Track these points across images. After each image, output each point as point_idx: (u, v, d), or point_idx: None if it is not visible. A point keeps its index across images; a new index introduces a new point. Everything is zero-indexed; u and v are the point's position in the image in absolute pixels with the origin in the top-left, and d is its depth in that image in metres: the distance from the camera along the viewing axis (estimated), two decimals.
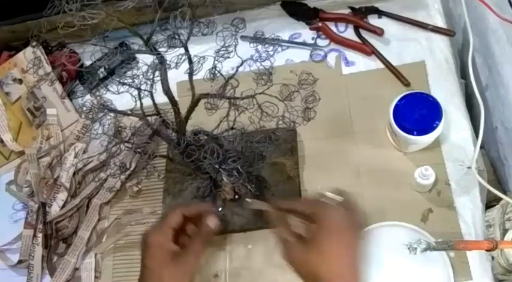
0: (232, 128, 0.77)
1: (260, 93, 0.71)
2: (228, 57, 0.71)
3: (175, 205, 0.81)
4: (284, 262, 0.64)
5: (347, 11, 1.02)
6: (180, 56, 0.70)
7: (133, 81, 0.74)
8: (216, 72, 0.73)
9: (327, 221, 0.60)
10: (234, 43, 0.70)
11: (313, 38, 1.02)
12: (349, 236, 0.60)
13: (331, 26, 1.01)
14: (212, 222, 0.70)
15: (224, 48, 0.70)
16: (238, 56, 0.71)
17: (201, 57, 0.70)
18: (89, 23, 0.58)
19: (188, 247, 0.69)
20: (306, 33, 1.03)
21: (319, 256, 0.58)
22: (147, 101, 0.75)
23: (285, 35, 1.03)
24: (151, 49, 0.68)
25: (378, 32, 0.97)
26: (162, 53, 0.69)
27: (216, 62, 0.72)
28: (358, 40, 0.99)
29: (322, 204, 0.63)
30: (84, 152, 1.02)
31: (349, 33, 1.00)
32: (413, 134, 0.79)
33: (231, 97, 0.72)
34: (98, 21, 0.58)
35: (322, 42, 1.01)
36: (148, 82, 0.73)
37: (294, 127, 0.76)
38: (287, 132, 0.87)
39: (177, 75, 0.75)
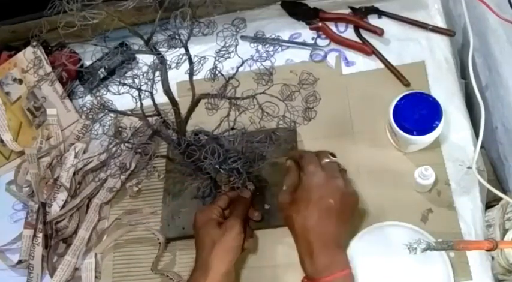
0: (232, 128, 0.77)
1: (261, 93, 0.71)
2: (229, 58, 0.71)
3: (224, 192, 0.86)
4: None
5: (347, 11, 1.02)
6: (181, 56, 0.70)
7: (134, 82, 0.74)
8: (217, 72, 0.73)
9: (304, 181, 0.75)
10: (234, 43, 0.70)
11: (313, 38, 1.02)
12: (318, 197, 0.73)
13: (331, 26, 1.01)
14: (246, 193, 0.83)
15: (225, 49, 0.70)
16: (239, 56, 0.71)
17: (201, 57, 0.70)
18: (90, 23, 0.58)
19: (230, 213, 0.81)
20: (306, 33, 1.03)
21: (294, 207, 0.74)
22: (147, 101, 0.75)
23: (285, 35, 1.03)
24: (152, 49, 0.68)
25: (378, 32, 0.97)
26: (163, 53, 0.70)
27: (216, 62, 0.72)
28: (358, 40, 0.99)
29: (307, 164, 0.76)
30: (84, 152, 1.02)
31: (349, 33, 1.00)
32: (413, 134, 0.79)
33: (232, 97, 0.72)
34: (98, 21, 0.58)
35: (322, 42, 1.01)
36: (149, 82, 0.73)
37: (295, 127, 0.76)
38: (287, 132, 0.87)
39: (177, 75, 0.75)
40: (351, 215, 0.77)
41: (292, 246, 0.75)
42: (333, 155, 0.80)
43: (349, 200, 0.76)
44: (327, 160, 0.78)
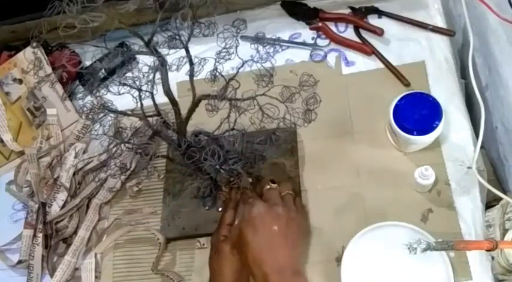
0: (232, 129, 0.77)
1: (261, 95, 0.71)
2: (229, 59, 0.71)
3: (226, 202, 0.84)
4: None
5: (347, 11, 1.02)
6: (181, 58, 0.70)
7: (134, 82, 0.74)
8: (217, 73, 0.73)
9: (245, 216, 0.76)
10: (234, 44, 0.70)
11: (313, 38, 1.02)
12: (263, 227, 0.73)
13: (331, 26, 1.01)
14: (246, 181, 0.80)
15: (225, 50, 0.70)
16: (239, 57, 0.71)
17: (202, 58, 0.70)
18: (90, 26, 0.58)
19: (224, 238, 0.78)
20: (306, 33, 1.03)
21: (242, 240, 0.73)
22: (147, 102, 0.75)
23: (285, 35, 1.03)
24: (152, 50, 0.68)
25: (378, 32, 0.97)
26: (163, 55, 0.70)
27: (217, 64, 0.72)
28: (358, 40, 0.99)
29: (247, 197, 0.78)
30: (84, 152, 1.02)
31: (349, 33, 1.00)
32: (413, 134, 0.79)
33: (232, 98, 0.72)
34: (98, 23, 0.58)
35: (322, 42, 1.01)
36: (149, 83, 0.73)
37: (295, 129, 0.76)
38: (287, 132, 0.87)
39: (177, 75, 0.75)
40: (299, 239, 0.77)
41: None
42: (273, 182, 0.81)
43: (293, 225, 0.75)
44: (267, 187, 0.80)
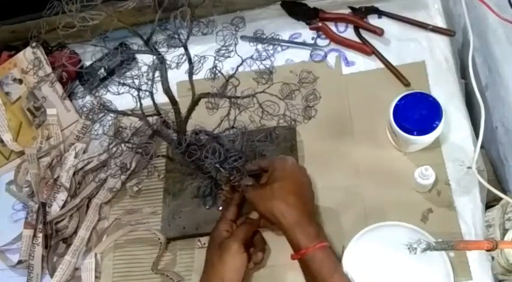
0: (233, 127, 0.77)
1: (261, 92, 0.71)
2: (229, 57, 0.71)
3: (230, 199, 0.85)
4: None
5: (347, 11, 1.02)
6: (181, 56, 0.70)
7: (134, 82, 0.74)
8: (217, 71, 0.73)
9: (274, 166, 0.80)
10: (234, 42, 0.70)
11: (313, 38, 1.02)
12: (294, 174, 0.80)
13: (331, 26, 1.01)
14: (253, 214, 0.83)
15: (224, 48, 0.70)
16: (239, 55, 0.71)
17: (201, 56, 0.70)
18: (89, 24, 0.58)
19: (231, 234, 0.80)
20: (306, 33, 1.03)
21: (270, 191, 0.77)
22: (147, 101, 0.75)
23: (285, 35, 1.03)
24: (152, 49, 0.68)
25: (378, 32, 0.97)
26: (162, 53, 0.70)
27: (216, 62, 0.72)
28: (358, 40, 0.99)
29: (274, 158, 0.82)
30: (84, 152, 1.02)
31: (349, 33, 1.00)
32: (413, 134, 0.79)
33: (232, 96, 0.72)
34: (97, 22, 0.58)
35: (322, 42, 1.01)
36: (149, 82, 0.73)
37: (295, 125, 0.76)
38: (287, 130, 0.87)
39: (177, 75, 0.75)
40: (313, 196, 0.83)
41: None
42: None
43: (311, 187, 0.83)
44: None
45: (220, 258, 0.76)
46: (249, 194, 0.80)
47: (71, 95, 1.07)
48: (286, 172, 0.79)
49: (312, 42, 1.01)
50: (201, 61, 0.70)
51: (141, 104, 0.74)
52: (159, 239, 0.89)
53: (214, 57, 0.72)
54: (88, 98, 1.01)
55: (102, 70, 1.01)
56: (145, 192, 0.96)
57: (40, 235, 0.94)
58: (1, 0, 1.01)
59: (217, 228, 0.81)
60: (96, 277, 0.91)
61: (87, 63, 1.08)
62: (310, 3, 1.04)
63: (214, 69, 0.72)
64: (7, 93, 1.10)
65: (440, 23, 0.96)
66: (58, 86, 1.06)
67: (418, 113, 0.79)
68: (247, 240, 0.80)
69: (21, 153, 1.05)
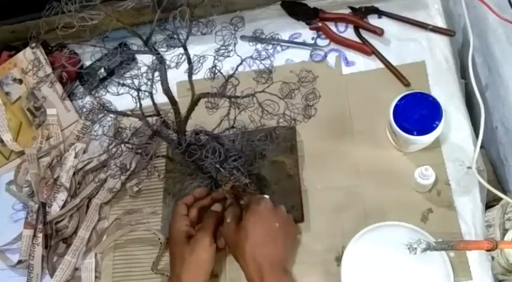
0: (232, 127, 0.77)
1: (260, 92, 0.71)
2: (228, 56, 0.71)
3: (179, 199, 0.86)
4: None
5: (347, 11, 1.02)
6: (180, 56, 0.70)
7: (133, 82, 0.74)
8: (216, 71, 0.72)
9: (252, 206, 0.79)
10: (233, 42, 0.70)
11: (313, 38, 1.02)
12: (267, 221, 0.78)
13: (331, 26, 1.01)
14: (216, 206, 0.84)
15: (224, 47, 0.70)
16: (238, 55, 0.71)
17: (200, 56, 0.70)
18: (88, 24, 0.58)
19: (199, 227, 0.82)
20: (306, 33, 1.03)
21: (243, 232, 0.76)
22: (147, 102, 0.75)
23: (285, 35, 1.03)
24: (151, 49, 0.68)
25: (378, 32, 0.97)
26: (162, 53, 0.69)
27: (216, 61, 0.72)
28: (358, 40, 0.99)
29: (255, 197, 0.81)
30: (84, 152, 1.02)
31: (349, 33, 1.00)
32: (413, 134, 0.79)
33: (231, 96, 0.72)
34: (97, 22, 0.58)
35: (322, 42, 1.01)
36: (148, 82, 0.73)
37: (295, 125, 0.76)
38: (287, 130, 0.87)
39: (177, 75, 0.75)
40: (293, 241, 0.83)
41: None
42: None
43: (290, 227, 0.82)
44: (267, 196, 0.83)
45: (193, 252, 0.78)
46: (224, 230, 0.81)
47: (70, 95, 1.07)
48: (258, 217, 0.78)
49: (312, 42, 1.01)
50: (201, 61, 0.70)
51: (140, 104, 0.74)
52: (159, 239, 0.89)
53: (214, 57, 0.72)
54: (88, 98, 1.01)
55: (102, 70, 1.01)
56: (145, 192, 0.96)
57: (40, 235, 0.94)
58: (1, 0, 1.01)
59: (176, 224, 0.82)
60: (96, 277, 0.91)
61: (87, 63, 1.08)
62: (310, 3, 1.04)
63: (214, 69, 0.72)
64: (7, 93, 1.10)
65: (440, 23, 0.96)
66: (58, 86, 1.06)
67: (418, 113, 0.79)
68: (215, 232, 0.81)
69: (21, 153, 1.05)
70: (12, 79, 1.09)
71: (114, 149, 0.76)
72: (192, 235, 0.81)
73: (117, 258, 0.92)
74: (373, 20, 1.00)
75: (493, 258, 0.75)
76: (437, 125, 0.78)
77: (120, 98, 0.74)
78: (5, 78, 1.10)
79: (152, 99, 0.75)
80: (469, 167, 0.81)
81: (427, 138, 0.80)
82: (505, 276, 0.74)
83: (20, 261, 0.95)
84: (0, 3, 1.01)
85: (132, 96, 0.74)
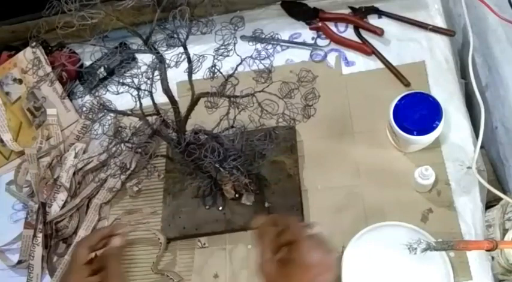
0: (232, 127, 0.77)
1: (260, 91, 0.71)
2: (228, 56, 0.71)
3: (79, 241, 0.79)
4: None
5: (347, 11, 1.02)
6: (180, 55, 0.70)
7: (133, 81, 0.74)
8: (216, 70, 0.72)
9: (299, 254, 0.65)
10: (233, 41, 0.70)
11: (313, 38, 1.02)
12: (314, 275, 0.64)
13: (331, 26, 1.01)
14: (117, 241, 0.73)
15: (223, 47, 0.70)
16: (238, 55, 0.71)
17: (200, 55, 0.70)
18: (88, 23, 0.58)
19: (105, 275, 0.70)
20: (306, 33, 1.03)
21: (286, 280, 0.65)
22: (147, 101, 0.75)
23: (285, 35, 1.03)
24: (151, 48, 0.68)
25: (378, 32, 0.97)
26: (162, 52, 0.70)
27: (215, 61, 0.72)
28: (358, 40, 0.99)
29: (302, 235, 0.66)
30: (84, 152, 1.02)
31: (349, 33, 1.00)
32: (413, 134, 0.79)
33: (231, 95, 0.72)
34: (97, 21, 0.58)
35: (322, 42, 1.01)
36: (148, 82, 0.73)
37: (294, 124, 0.76)
38: (286, 130, 0.88)
39: (176, 75, 0.75)
40: None
41: None
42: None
43: (333, 274, 0.69)
44: (310, 231, 0.70)
45: None
46: (265, 269, 0.68)
47: (70, 95, 1.07)
48: (310, 265, 0.66)
49: (312, 42, 1.01)
50: (200, 60, 0.70)
51: (140, 103, 0.74)
52: (159, 239, 0.89)
53: (214, 57, 0.72)
54: (88, 97, 1.01)
55: (102, 70, 1.01)
56: (145, 192, 0.96)
57: (40, 235, 0.94)
58: (1, 0, 1.01)
59: (76, 275, 0.70)
60: None
61: (87, 63, 1.08)
62: (310, 3, 1.04)
63: (214, 68, 0.72)
64: (7, 93, 1.10)
65: (440, 23, 0.96)
66: (58, 86, 1.06)
67: (418, 113, 0.79)
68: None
69: (21, 153, 1.05)
70: (12, 79, 1.09)
71: (114, 148, 0.76)
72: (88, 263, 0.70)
73: None
74: (373, 20, 1.00)
75: (493, 258, 0.75)
76: (437, 125, 0.78)
77: (120, 97, 0.74)
78: (5, 78, 1.10)
79: (152, 99, 0.75)
80: (469, 167, 0.81)
81: (427, 138, 0.80)
82: (505, 276, 0.74)
83: (20, 261, 0.96)
84: (0, 3, 1.01)
85: (132, 96, 0.74)
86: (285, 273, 0.66)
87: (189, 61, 0.71)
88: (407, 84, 0.91)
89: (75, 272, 0.70)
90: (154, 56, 0.70)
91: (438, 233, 0.78)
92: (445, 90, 0.89)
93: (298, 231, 0.68)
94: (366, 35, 0.99)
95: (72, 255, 0.74)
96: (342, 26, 1.02)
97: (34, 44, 0.90)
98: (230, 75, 0.72)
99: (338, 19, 1.02)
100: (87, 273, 0.69)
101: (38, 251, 0.94)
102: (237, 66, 0.72)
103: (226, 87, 0.72)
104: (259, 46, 0.75)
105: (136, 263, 0.91)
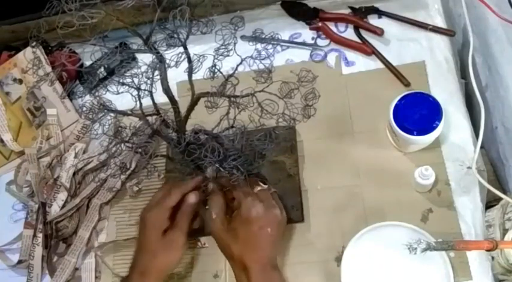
0: (232, 126, 0.77)
1: (260, 91, 0.71)
2: (228, 55, 0.71)
3: (173, 185, 0.82)
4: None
5: (347, 11, 1.02)
6: (180, 55, 0.70)
7: (133, 81, 0.74)
8: (216, 70, 0.73)
9: (243, 212, 0.76)
10: (233, 41, 0.70)
11: (313, 38, 1.02)
12: (257, 228, 0.75)
13: (331, 26, 1.01)
14: (192, 198, 0.79)
15: (224, 47, 0.70)
16: (238, 55, 0.71)
17: (200, 55, 0.70)
18: (89, 23, 0.58)
19: (175, 224, 0.78)
20: (306, 33, 1.03)
21: (232, 234, 0.76)
22: (147, 101, 0.75)
23: (285, 35, 1.03)
24: (151, 48, 0.68)
25: (378, 32, 0.97)
26: (162, 52, 0.70)
27: (215, 60, 0.72)
28: (358, 40, 0.99)
29: (244, 195, 0.77)
30: (84, 152, 1.02)
31: (349, 33, 1.00)
32: (413, 134, 0.78)
33: (231, 95, 0.72)
34: (97, 20, 0.58)
35: (322, 42, 1.01)
36: (148, 81, 0.73)
37: (294, 124, 0.76)
38: (286, 130, 0.87)
39: (177, 76, 0.75)
40: (281, 237, 0.80)
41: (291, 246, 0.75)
42: (264, 182, 0.82)
43: (281, 225, 0.79)
44: (259, 188, 0.80)
45: (165, 249, 0.77)
46: (211, 225, 0.78)
47: (70, 95, 1.07)
48: (249, 223, 0.76)
49: (312, 42, 1.01)
50: (201, 60, 0.70)
51: (140, 103, 0.74)
52: None
53: (214, 56, 0.72)
54: (88, 97, 1.01)
55: (102, 70, 1.01)
56: (145, 192, 0.96)
57: (40, 235, 0.94)
58: (1, 0, 1.01)
59: (159, 212, 0.78)
60: (96, 277, 0.91)
61: (87, 63, 1.08)
62: (310, 3, 1.04)
63: (214, 68, 0.72)
64: (7, 93, 1.10)
65: (440, 23, 0.96)
66: (58, 86, 1.06)
67: (418, 113, 0.79)
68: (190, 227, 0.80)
69: (21, 153, 1.05)
70: (12, 79, 1.09)
71: (114, 148, 0.76)
72: (167, 229, 0.78)
73: (117, 258, 0.92)
74: (373, 20, 1.00)
75: (493, 258, 0.75)
76: (437, 125, 0.78)
77: (120, 97, 0.74)
78: (5, 78, 1.10)
79: (152, 98, 0.75)
80: (469, 167, 0.81)
81: (427, 138, 0.80)
82: (505, 276, 0.74)
83: (20, 261, 0.96)
84: (0, 3, 1.01)
85: (132, 95, 0.74)
86: (231, 228, 0.76)
87: (189, 61, 0.71)
88: (407, 84, 0.91)
89: (159, 210, 0.78)
90: (154, 56, 0.70)
91: (438, 233, 0.78)
92: (445, 90, 0.89)
93: (242, 190, 0.78)
94: (366, 35, 0.99)
95: (161, 193, 0.81)
96: (342, 26, 1.02)
97: (34, 43, 0.90)
98: (230, 75, 0.72)
99: (338, 19, 1.02)
100: (168, 216, 0.78)
101: (38, 251, 0.94)
102: (237, 66, 0.72)
103: (226, 87, 0.72)
104: (259, 46, 0.75)
105: None
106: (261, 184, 0.81)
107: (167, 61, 0.71)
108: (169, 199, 0.79)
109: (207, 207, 0.80)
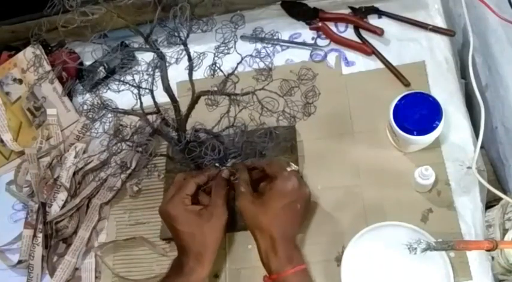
0: (232, 125, 0.77)
1: (260, 89, 0.71)
2: (228, 53, 0.71)
3: (187, 175, 0.83)
4: None
5: (347, 11, 1.02)
6: (180, 52, 0.70)
7: (134, 79, 0.74)
8: (216, 68, 0.73)
9: (278, 184, 0.77)
10: (233, 39, 0.70)
11: (313, 38, 1.02)
12: (289, 201, 0.77)
13: (331, 26, 1.01)
14: (225, 173, 0.81)
15: (224, 45, 0.70)
16: (238, 53, 0.71)
17: (200, 53, 0.70)
18: (90, 19, 0.58)
19: (211, 202, 0.80)
20: (306, 33, 1.03)
21: (263, 207, 0.77)
22: (147, 101, 0.75)
23: (285, 35, 1.03)
24: (151, 46, 0.68)
25: (378, 32, 0.97)
26: (162, 50, 0.70)
27: (216, 58, 0.72)
28: (358, 40, 0.99)
29: (280, 170, 0.79)
30: (84, 152, 1.02)
31: (349, 33, 1.00)
32: (413, 134, 0.79)
33: (231, 93, 0.72)
34: (98, 16, 0.58)
35: (322, 42, 1.01)
36: (149, 80, 0.74)
37: (294, 123, 0.76)
38: (287, 130, 0.87)
39: (177, 75, 0.75)
40: (305, 218, 0.84)
41: None
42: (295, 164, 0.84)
43: (309, 206, 0.83)
44: (293, 168, 0.82)
45: (208, 220, 0.77)
46: (239, 200, 0.80)
47: (70, 93, 1.07)
48: (283, 196, 0.77)
49: (312, 42, 1.01)
50: (201, 58, 0.70)
51: (141, 102, 0.74)
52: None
53: (214, 54, 0.72)
54: (88, 96, 1.01)
55: (102, 69, 1.01)
56: (145, 192, 0.96)
57: (40, 235, 0.94)
58: (1, 0, 1.01)
59: (180, 200, 0.79)
60: (96, 277, 0.91)
61: (87, 63, 1.08)
62: (310, 3, 1.04)
63: (214, 66, 0.72)
64: (7, 93, 1.10)
65: (440, 23, 0.96)
66: (58, 86, 1.06)
67: (418, 113, 0.79)
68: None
69: (21, 153, 1.05)
70: (12, 79, 1.09)
71: (115, 147, 0.76)
72: (197, 209, 0.79)
73: (117, 258, 0.92)
74: (373, 20, 1.00)
75: (493, 258, 0.75)
76: (437, 125, 0.78)
77: (120, 96, 0.74)
78: (5, 78, 1.10)
79: (153, 97, 0.75)
80: (469, 167, 0.81)
81: (427, 138, 0.80)
82: (505, 276, 0.74)
83: (20, 261, 0.95)
84: (0, 3, 1.01)
85: (133, 93, 0.74)
86: (261, 202, 0.77)
87: (190, 59, 0.71)
88: (407, 84, 0.91)
89: (179, 200, 0.78)
90: (155, 54, 0.70)
91: (438, 233, 0.78)
92: (445, 90, 0.89)
93: (279, 164, 0.80)
94: (366, 35, 0.99)
95: (176, 184, 0.82)
96: (342, 26, 1.02)
97: (34, 42, 0.90)
98: (231, 73, 0.72)
99: (338, 19, 1.02)
100: (190, 203, 0.79)
101: (38, 251, 0.94)
102: (238, 64, 0.72)
103: (226, 85, 0.72)
104: (259, 45, 0.75)
105: (136, 263, 0.91)
106: (293, 165, 0.82)
107: (167, 59, 0.71)
108: (185, 188, 0.80)
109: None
